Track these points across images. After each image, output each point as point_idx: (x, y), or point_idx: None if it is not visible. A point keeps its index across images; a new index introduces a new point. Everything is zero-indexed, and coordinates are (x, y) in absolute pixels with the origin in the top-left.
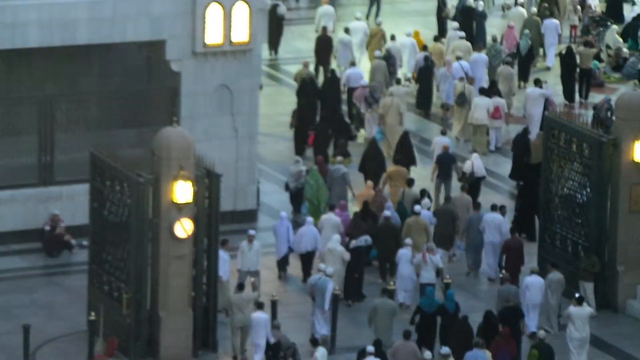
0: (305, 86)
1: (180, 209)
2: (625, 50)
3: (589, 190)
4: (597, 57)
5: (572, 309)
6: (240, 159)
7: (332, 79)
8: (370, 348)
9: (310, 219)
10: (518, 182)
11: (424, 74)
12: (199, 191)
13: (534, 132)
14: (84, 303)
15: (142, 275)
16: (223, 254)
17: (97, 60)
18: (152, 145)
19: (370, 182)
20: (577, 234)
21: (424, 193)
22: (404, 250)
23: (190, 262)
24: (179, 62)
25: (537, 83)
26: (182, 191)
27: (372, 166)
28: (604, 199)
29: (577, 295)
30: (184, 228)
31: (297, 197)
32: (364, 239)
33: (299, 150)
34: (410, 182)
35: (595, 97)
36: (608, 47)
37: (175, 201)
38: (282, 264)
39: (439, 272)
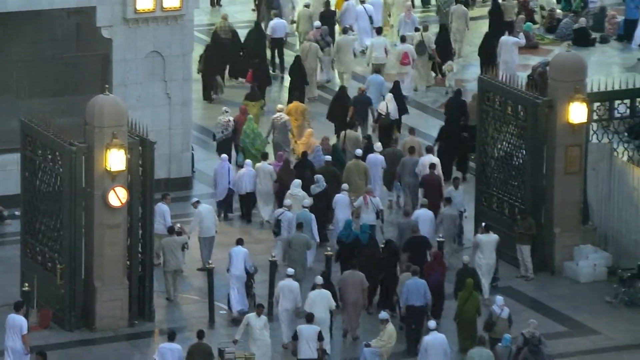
0: (216, 35)
1: (113, 178)
2: (558, 11)
3: (524, 152)
4: (531, 18)
5: (480, 236)
6: (174, 126)
7: (256, 30)
8: (319, 279)
9: (249, 161)
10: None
11: None
12: (132, 159)
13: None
14: (17, 274)
15: (76, 245)
16: (164, 206)
17: (26, 27)
18: (85, 113)
19: (310, 130)
20: (513, 197)
21: (369, 137)
22: (340, 195)
23: (125, 231)
24: (110, 29)
25: (511, 31)
26: (116, 159)
27: (339, 113)
28: (539, 161)
29: (484, 223)
30: (117, 197)
31: (223, 147)
32: (319, 184)
33: (207, 95)
34: (351, 125)
35: (531, 59)
36: (542, 8)
37: (108, 169)
38: (225, 205)
39: (379, 214)
